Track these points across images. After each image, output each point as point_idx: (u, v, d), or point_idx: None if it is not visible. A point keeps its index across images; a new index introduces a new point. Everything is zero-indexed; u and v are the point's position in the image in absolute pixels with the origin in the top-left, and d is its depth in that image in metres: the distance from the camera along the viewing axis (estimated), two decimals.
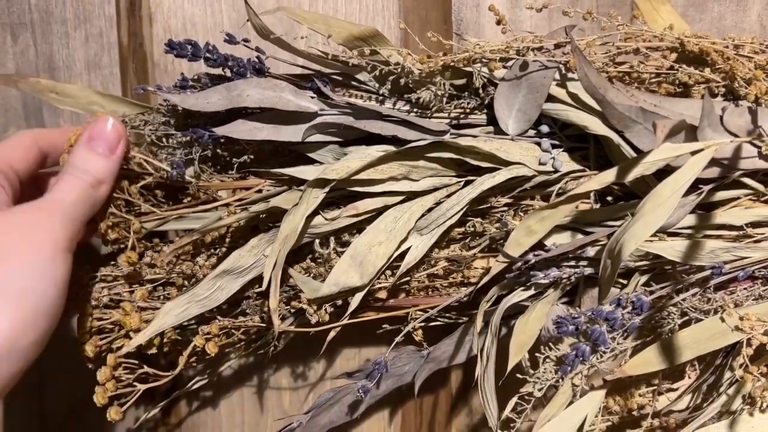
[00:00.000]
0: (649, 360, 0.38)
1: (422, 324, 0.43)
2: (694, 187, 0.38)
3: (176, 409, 0.53)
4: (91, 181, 0.37)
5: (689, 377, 0.42)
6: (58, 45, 0.52)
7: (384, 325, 0.43)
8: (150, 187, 0.41)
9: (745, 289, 0.41)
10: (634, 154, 0.37)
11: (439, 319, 0.43)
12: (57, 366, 0.51)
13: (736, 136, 0.37)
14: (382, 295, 0.43)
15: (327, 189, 0.38)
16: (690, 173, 0.34)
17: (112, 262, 0.40)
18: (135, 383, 0.39)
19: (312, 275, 0.41)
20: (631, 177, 0.34)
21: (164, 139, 0.40)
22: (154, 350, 0.39)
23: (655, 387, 0.41)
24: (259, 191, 0.40)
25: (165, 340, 0.41)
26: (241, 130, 0.37)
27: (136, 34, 0.52)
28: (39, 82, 0.41)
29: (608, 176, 0.35)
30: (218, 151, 0.40)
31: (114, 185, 0.38)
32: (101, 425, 0.53)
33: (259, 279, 0.39)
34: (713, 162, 0.37)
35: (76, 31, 0.52)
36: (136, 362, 0.39)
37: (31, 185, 0.40)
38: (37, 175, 0.41)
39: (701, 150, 0.34)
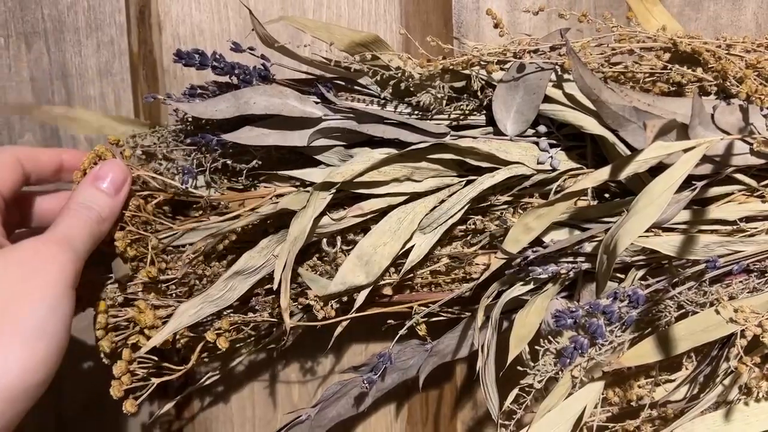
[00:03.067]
0: (646, 351, 0.39)
1: (425, 319, 0.44)
2: (689, 183, 0.39)
3: (189, 405, 0.54)
4: (96, 218, 0.37)
5: (686, 369, 0.43)
6: (70, 53, 0.54)
7: (389, 321, 0.45)
8: (160, 204, 0.43)
9: (740, 282, 0.42)
10: (629, 152, 0.39)
11: (442, 314, 0.45)
12: (73, 364, 0.53)
13: (727, 133, 0.38)
14: (388, 291, 0.44)
15: (333, 191, 0.39)
16: (682, 170, 0.35)
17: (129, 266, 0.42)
18: (149, 377, 0.40)
19: (319, 273, 0.42)
20: (624, 175, 0.36)
21: (174, 152, 0.42)
22: (168, 346, 0.41)
23: (653, 378, 0.42)
24: (276, 197, 0.42)
25: (178, 336, 0.42)
26: (248, 136, 0.39)
27: (146, 41, 0.53)
28: (52, 109, 0.43)
29: (602, 174, 0.36)
30: (228, 161, 0.41)
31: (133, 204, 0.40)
32: (117, 421, 0.54)
33: (268, 278, 0.40)
34: (706, 159, 0.38)
35: (88, 39, 0.54)
36: (151, 357, 0.40)
37: (13, 205, 0.40)
38: (21, 195, 0.40)
39: (693, 147, 0.35)
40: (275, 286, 0.38)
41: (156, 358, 0.41)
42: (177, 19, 0.53)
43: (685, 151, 0.36)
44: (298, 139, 0.39)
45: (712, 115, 0.38)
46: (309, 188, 0.40)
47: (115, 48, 0.54)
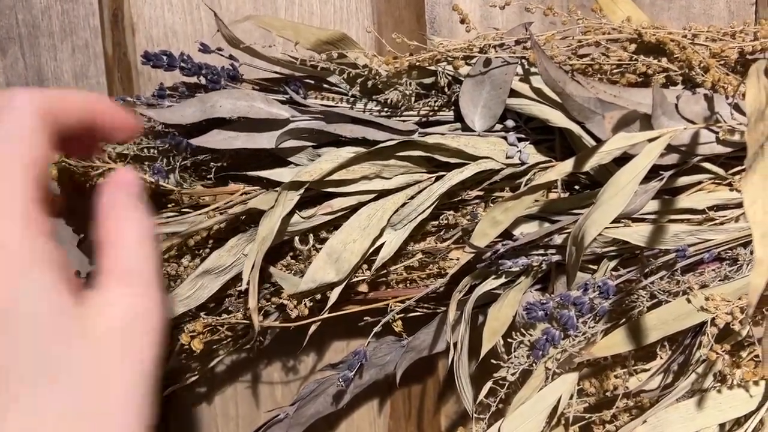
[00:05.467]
0: (617, 342, 0.39)
1: (402, 315, 0.44)
2: (657, 173, 0.40)
3: (173, 406, 0.55)
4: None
5: (661, 358, 0.44)
6: (46, 57, 0.54)
7: (365, 318, 0.45)
8: None
9: (712, 270, 0.42)
10: (596, 144, 0.39)
11: (417, 309, 0.45)
12: None
13: (692, 122, 0.38)
14: (363, 288, 0.44)
15: (302, 191, 0.39)
16: (646, 161, 0.35)
17: None
18: None
19: (293, 272, 0.43)
20: (588, 166, 0.36)
21: (146, 150, 0.42)
22: None
23: (628, 368, 0.43)
24: (244, 194, 0.42)
25: None
26: (216, 139, 0.39)
27: (120, 44, 0.53)
28: None
29: (566, 167, 0.36)
30: (198, 158, 0.42)
31: None
32: None
33: (239, 277, 0.40)
34: (671, 149, 0.38)
35: (63, 43, 0.54)
36: None
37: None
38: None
39: (656, 138, 0.35)
40: (243, 287, 0.38)
41: None
42: (150, 21, 0.53)
43: (650, 141, 0.36)
44: (266, 140, 0.39)
45: (676, 105, 0.38)
46: (278, 188, 0.40)
47: (90, 51, 0.54)
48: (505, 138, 0.41)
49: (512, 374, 0.40)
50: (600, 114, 0.38)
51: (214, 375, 0.54)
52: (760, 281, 0.24)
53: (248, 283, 0.38)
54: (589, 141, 0.39)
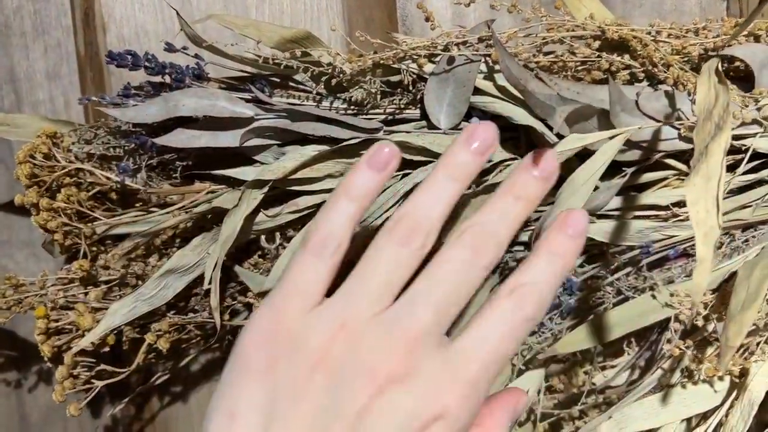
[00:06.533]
0: (581, 338, 0.40)
1: None
2: (621, 170, 0.40)
3: (149, 405, 0.55)
4: None
5: (628, 354, 0.44)
6: (18, 57, 0.53)
7: None
8: (105, 192, 0.43)
9: (679, 266, 0.42)
10: (559, 141, 0.39)
11: None
12: (36, 364, 0.53)
13: (654, 119, 0.38)
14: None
15: (265, 189, 0.39)
16: (603, 159, 0.35)
17: (67, 266, 0.42)
18: (93, 380, 0.40)
19: (261, 270, 0.43)
20: None
21: (112, 149, 0.42)
22: (107, 348, 0.41)
23: (594, 365, 0.43)
24: (209, 192, 0.42)
25: (124, 338, 0.43)
26: (179, 138, 0.39)
27: (92, 43, 0.53)
28: None
29: None
30: (164, 157, 0.42)
31: (65, 193, 0.40)
32: (80, 422, 0.55)
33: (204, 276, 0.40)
34: (633, 145, 0.38)
35: (35, 43, 0.53)
36: (93, 360, 0.41)
37: None
38: None
39: (614, 136, 0.36)
40: (206, 286, 0.38)
41: (99, 362, 0.41)
42: (121, 21, 0.53)
43: (610, 138, 0.36)
44: (229, 139, 0.39)
45: (637, 102, 0.38)
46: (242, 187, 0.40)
47: (63, 51, 0.54)
48: None
49: None
50: None
51: (190, 374, 0.54)
52: (701, 280, 0.24)
53: (210, 282, 0.38)
54: (552, 138, 0.39)
